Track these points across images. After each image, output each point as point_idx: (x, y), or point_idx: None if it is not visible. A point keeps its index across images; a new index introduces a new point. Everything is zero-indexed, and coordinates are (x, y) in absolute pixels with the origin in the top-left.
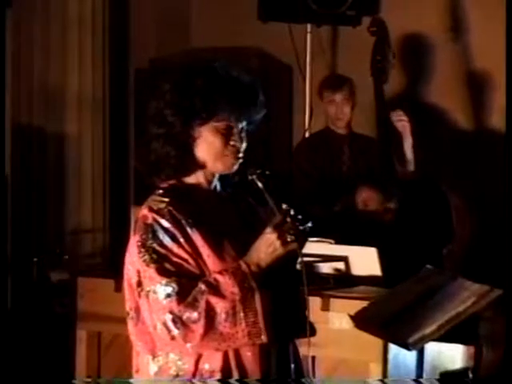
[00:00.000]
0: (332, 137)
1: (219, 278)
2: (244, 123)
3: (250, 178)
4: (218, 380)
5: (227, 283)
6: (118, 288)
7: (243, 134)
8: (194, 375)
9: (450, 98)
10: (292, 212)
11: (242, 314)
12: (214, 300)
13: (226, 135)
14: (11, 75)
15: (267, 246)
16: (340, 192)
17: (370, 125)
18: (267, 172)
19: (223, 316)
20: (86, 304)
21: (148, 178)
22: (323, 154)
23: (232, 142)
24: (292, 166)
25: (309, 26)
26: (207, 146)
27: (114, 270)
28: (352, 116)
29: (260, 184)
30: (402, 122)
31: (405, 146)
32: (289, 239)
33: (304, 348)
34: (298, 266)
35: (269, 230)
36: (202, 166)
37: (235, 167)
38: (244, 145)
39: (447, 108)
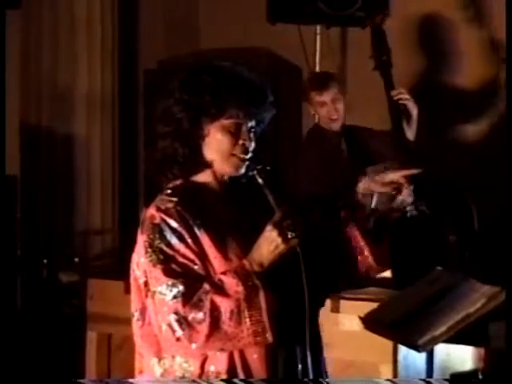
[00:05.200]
0: (327, 136)
1: (223, 277)
2: (253, 122)
3: (250, 173)
4: (223, 380)
5: (231, 282)
6: (128, 289)
7: (252, 134)
8: (199, 377)
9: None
10: (292, 209)
11: (246, 313)
12: (218, 299)
13: (235, 134)
14: (20, 76)
15: (269, 244)
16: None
17: (383, 121)
18: (268, 168)
19: (228, 315)
20: (96, 305)
21: (155, 177)
22: (324, 156)
23: (241, 141)
24: (296, 173)
25: (318, 28)
26: (216, 144)
27: (123, 271)
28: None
29: (260, 180)
30: (403, 99)
31: (406, 126)
32: (289, 236)
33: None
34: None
35: (269, 227)
36: (209, 165)
37: (242, 169)
38: (253, 144)
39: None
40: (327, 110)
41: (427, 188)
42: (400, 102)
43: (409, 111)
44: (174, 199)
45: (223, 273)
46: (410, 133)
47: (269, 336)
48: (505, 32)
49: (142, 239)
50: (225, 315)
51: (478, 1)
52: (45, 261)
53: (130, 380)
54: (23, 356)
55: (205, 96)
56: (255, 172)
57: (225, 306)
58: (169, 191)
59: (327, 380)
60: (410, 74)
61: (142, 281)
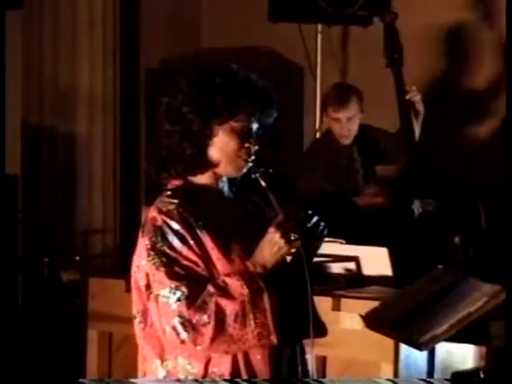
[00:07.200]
0: (338, 145)
1: (228, 280)
2: (258, 125)
3: (253, 176)
4: (226, 380)
5: (236, 284)
6: (129, 288)
7: (256, 136)
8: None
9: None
10: (294, 210)
11: (251, 315)
12: (223, 302)
13: (242, 136)
14: (22, 75)
15: (271, 246)
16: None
17: (384, 120)
18: (270, 170)
19: (232, 318)
20: (97, 304)
21: (156, 174)
22: (335, 166)
23: (247, 144)
24: (304, 181)
25: (319, 26)
26: (222, 145)
27: (124, 270)
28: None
29: (263, 182)
30: (414, 98)
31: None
32: (292, 237)
33: (316, 348)
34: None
35: (272, 229)
36: (213, 166)
37: (244, 170)
38: (256, 147)
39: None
40: (340, 127)
41: (434, 187)
42: (411, 100)
43: (418, 111)
44: (175, 201)
45: (227, 275)
46: (416, 132)
47: (273, 338)
48: (505, 32)
49: (143, 242)
50: (230, 318)
51: (488, 1)
52: (46, 260)
53: (132, 380)
54: (24, 355)
55: (216, 98)
56: (258, 175)
57: (230, 308)
58: (169, 193)
59: (328, 379)
60: (423, 73)
61: (143, 283)
